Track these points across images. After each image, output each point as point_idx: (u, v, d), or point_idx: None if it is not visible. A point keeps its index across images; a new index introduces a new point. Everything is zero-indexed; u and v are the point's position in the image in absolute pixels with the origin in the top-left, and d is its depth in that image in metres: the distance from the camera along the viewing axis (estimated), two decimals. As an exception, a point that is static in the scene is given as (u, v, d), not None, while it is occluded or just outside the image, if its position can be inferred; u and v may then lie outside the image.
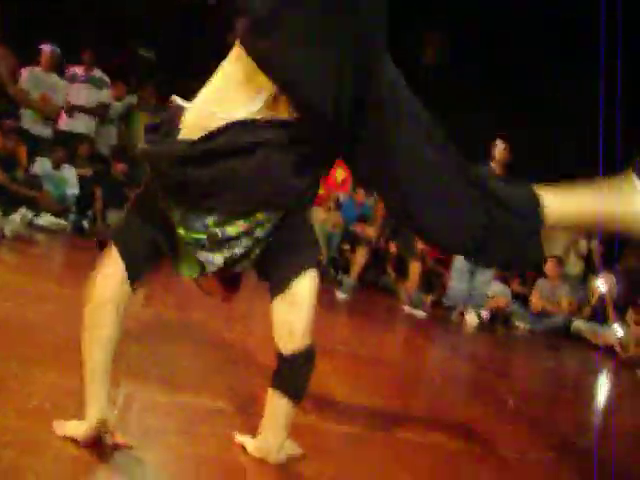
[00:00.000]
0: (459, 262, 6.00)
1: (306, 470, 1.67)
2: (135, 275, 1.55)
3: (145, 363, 2.24)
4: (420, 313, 5.70)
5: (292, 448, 1.71)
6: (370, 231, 6.37)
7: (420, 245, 5.95)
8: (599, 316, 6.80)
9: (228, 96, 1.45)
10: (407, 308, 5.78)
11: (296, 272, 1.59)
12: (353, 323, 4.84)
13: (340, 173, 6.57)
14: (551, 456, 2.33)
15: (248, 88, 1.44)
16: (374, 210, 6.81)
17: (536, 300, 6.90)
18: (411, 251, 6.04)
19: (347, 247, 7.19)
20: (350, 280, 5.95)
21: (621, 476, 2.26)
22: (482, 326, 5.98)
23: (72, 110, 6.61)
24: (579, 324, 6.86)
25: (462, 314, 6.11)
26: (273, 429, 1.64)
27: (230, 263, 1.55)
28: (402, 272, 6.55)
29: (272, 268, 1.62)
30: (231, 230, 1.50)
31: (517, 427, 2.70)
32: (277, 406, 1.61)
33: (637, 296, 6.11)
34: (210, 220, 1.48)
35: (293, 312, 1.58)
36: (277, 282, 1.61)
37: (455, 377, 3.63)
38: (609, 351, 6.39)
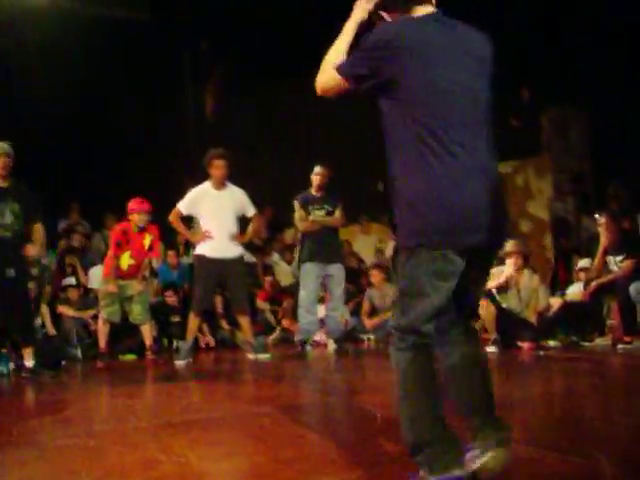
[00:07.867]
0: (305, 294, 5.87)
1: None
2: None
3: None
4: (265, 356, 5.53)
5: None
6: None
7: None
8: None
9: None
10: (251, 356, 5.57)
11: None
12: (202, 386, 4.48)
13: (147, 238, 6.03)
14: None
15: None
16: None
17: (366, 313, 7.06)
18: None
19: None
20: (186, 344, 5.58)
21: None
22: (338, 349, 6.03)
23: None
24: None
25: (316, 343, 6.27)
26: None
27: None
28: (235, 324, 6.39)
29: None
30: None
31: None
32: None
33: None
34: None
35: None
36: None
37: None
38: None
